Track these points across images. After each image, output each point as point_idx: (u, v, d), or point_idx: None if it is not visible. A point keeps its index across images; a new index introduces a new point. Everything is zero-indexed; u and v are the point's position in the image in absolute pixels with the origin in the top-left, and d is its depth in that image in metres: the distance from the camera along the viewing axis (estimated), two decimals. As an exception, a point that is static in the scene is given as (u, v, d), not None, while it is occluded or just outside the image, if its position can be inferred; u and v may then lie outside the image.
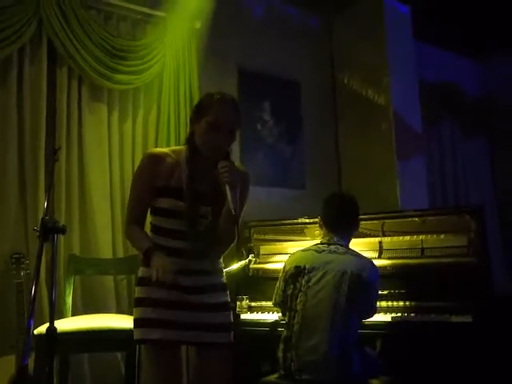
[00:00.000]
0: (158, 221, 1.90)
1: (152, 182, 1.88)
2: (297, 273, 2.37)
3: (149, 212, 1.95)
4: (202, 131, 1.86)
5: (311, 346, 2.24)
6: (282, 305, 2.44)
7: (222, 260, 2.00)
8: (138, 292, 1.90)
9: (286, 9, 4.29)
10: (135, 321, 1.87)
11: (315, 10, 4.42)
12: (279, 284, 2.47)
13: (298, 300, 2.31)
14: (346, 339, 2.25)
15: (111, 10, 3.31)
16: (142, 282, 1.90)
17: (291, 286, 2.37)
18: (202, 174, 1.88)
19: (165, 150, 1.98)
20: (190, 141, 1.91)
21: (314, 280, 2.31)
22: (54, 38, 3.01)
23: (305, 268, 2.36)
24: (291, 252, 2.76)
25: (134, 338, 1.86)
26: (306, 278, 2.33)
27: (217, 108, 1.85)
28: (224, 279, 1.98)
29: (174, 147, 2.07)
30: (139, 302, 1.87)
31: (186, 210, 1.83)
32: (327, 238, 2.46)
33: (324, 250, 2.40)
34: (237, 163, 1.97)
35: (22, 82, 2.98)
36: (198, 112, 1.89)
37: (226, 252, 1.97)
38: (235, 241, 1.93)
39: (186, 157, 1.90)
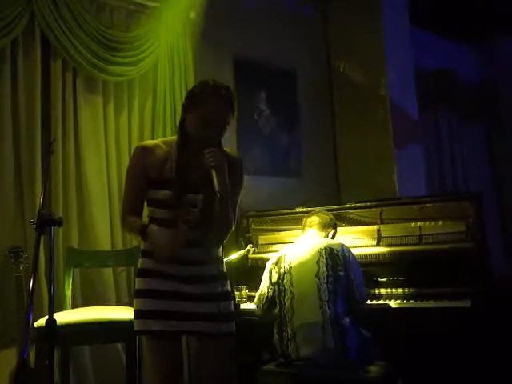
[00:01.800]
0: (154, 212, 1.90)
1: (144, 174, 1.89)
2: (278, 261, 2.58)
3: (146, 205, 1.95)
4: (194, 124, 1.85)
5: (303, 316, 2.36)
6: (266, 299, 2.58)
7: (221, 249, 1.97)
8: (138, 283, 1.90)
9: (280, -3, 4.25)
10: (135, 312, 1.88)
11: (310, -3, 4.39)
12: (264, 280, 2.63)
13: (285, 280, 2.49)
14: (336, 306, 2.36)
15: (104, 1, 3.27)
16: (141, 273, 1.90)
17: (275, 273, 2.55)
18: (192, 162, 1.87)
19: (156, 141, 1.98)
20: (181, 127, 1.90)
21: (294, 261, 2.52)
22: (46, 30, 2.98)
23: (285, 255, 2.58)
24: (290, 241, 3.01)
25: (134, 329, 1.87)
26: (288, 261, 2.54)
27: (209, 102, 1.82)
28: (224, 268, 1.97)
29: (165, 138, 2.06)
30: (139, 294, 1.88)
31: (172, 197, 1.83)
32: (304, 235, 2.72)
33: (299, 241, 2.69)
34: (230, 149, 1.98)
35: (16, 75, 2.96)
36: (191, 101, 1.87)
37: (225, 239, 1.95)
38: (232, 227, 1.92)
39: (177, 144, 1.89)
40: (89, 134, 3.17)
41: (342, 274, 2.44)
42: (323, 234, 2.68)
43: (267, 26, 4.09)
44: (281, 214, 3.29)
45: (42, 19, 2.96)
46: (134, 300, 1.90)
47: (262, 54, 4.01)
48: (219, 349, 1.88)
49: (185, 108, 1.89)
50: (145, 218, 1.97)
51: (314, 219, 2.72)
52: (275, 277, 2.54)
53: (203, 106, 1.82)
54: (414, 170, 4.18)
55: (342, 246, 2.55)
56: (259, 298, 2.62)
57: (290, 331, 2.36)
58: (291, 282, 2.46)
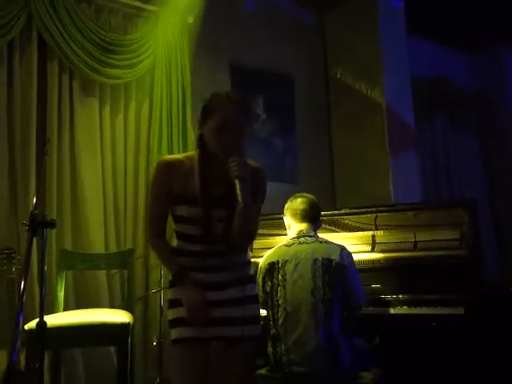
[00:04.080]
0: (180, 228, 1.91)
1: (169, 191, 1.88)
2: (271, 269, 2.41)
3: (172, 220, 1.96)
4: (211, 132, 1.84)
5: (297, 337, 2.27)
6: (264, 304, 2.44)
7: (248, 252, 2.00)
8: (170, 294, 1.94)
9: (278, 4, 4.27)
10: (170, 322, 1.90)
11: (308, 4, 4.41)
12: (258, 286, 2.47)
13: (279, 295, 2.35)
14: (331, 327, 2.27)
15: (102, 4, 3.28)
16: (172, 284, 1.93)
17: (269, 283, 2.40)
18: (215, 178, 1.87)
19: (178, 156, 1.97)
20: (200, 144, 1.89)
21: (288, 273, 2.36)
22: (43, 32, 2.99)
23: (278, 262, 2.40)
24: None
25: (172, 338, 1.88)
26: (281, 272, 2.37)
27: (224, 107, 1.83)
28: (252, 271, 1.99)
29: (187, 153, 2.03)
30: (172, 304, 1.91)
31: (200, 215, 1.84)
32: (296, 232, 2.50)
33: (294, 243, 2.45)
34: (250, 160, 1.95)
35: (13, 76, 2.96)
36: (206, 113, 1.87)
37: (248, 247, 1.98)
38: (254, 236, 1.93)
39: (197, 160, 1.88)
40: (84, 136, 3.17)
41: (338, 287, 2.30)
42: (313, 227, 2.49)
43: (264, 32, 4.10)
44: (275, 218, 3.27)
45: (39, 20, 2.96)
46: (167, 310, 1.94)
47: (259, 60, 4.03)
48: (245, 352, 1.90)
49: (200, 122, 1.89)
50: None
51: (301, 207, 2.49)
52: (268, 285, 2.40)
53: (216, 114, 1.83)
54: (410, 177, 4.19)
55: (341, 252, 2.37)
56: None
57: (283, 346, 2.29)
58: (285, 298, 2.32)
